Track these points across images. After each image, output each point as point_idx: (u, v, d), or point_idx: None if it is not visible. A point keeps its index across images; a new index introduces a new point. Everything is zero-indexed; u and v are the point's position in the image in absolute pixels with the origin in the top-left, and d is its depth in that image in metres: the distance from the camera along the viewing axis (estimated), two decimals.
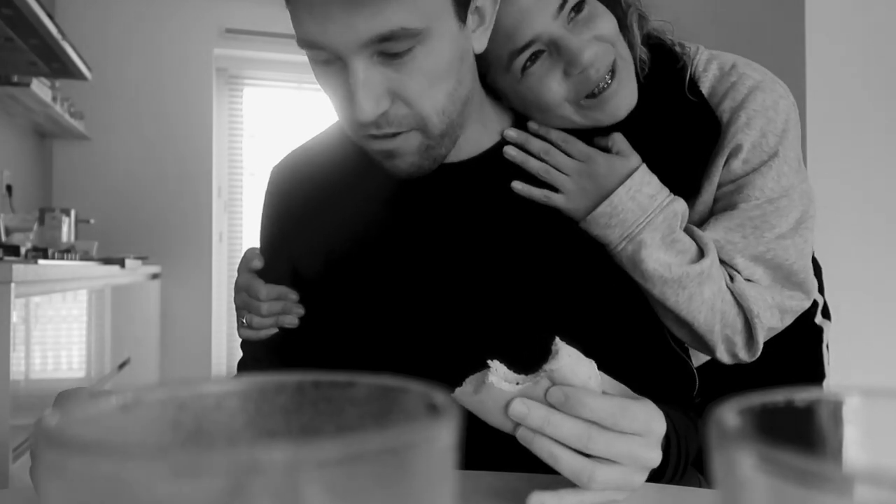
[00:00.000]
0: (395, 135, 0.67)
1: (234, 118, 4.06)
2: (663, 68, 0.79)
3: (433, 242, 0.76)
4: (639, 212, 0.72)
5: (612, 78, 0.72)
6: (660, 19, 0.81)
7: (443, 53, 0.64)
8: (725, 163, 0.77)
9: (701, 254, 0.74)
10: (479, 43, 0.70)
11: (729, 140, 0.76)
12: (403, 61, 0.63)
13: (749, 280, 0.76)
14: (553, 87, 0.72)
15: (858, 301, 1.48)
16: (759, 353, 0.77)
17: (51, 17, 2.21)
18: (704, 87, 0.79)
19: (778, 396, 0.22)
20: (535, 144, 0.76)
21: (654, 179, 0.74)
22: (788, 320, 0.78)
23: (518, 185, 0.75)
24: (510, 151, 0.76)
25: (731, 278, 0.76)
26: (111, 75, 3.56)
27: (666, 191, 0.74)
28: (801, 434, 0.22)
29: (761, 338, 0.75)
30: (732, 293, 0.75)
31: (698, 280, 0.72)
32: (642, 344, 0.75)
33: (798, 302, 0.78)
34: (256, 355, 0.84)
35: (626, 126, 0.76)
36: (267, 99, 4.11)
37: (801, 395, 0.22)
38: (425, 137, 0.68)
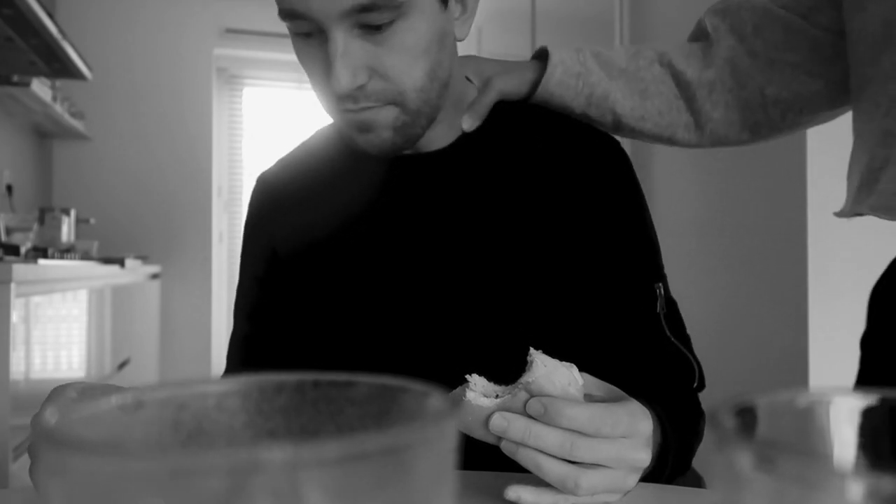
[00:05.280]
0: (370, 108, 0.67)
1: (234, 118, 4.06)
2: None
3: (415, 235, 0.76)
4: None
5: None
6: None
7: (423, 31, 0.65)
8: None
9: None
10: (462, 31, 0.71)
11: None
12: (384, 35, 0.63)
13: None
14: None
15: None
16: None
17: (51, 16, 2.21)
18: None
19: (778, 396, 0.22)
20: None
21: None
22: None
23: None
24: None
25: None
26: (111, 75, 3.56)
27: None
28: (801, 434, 0.22)
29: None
30: None
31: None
32: (639, 338, 0.75)
33: None
34: (228, 366, 0.85)
35: None
36: (267, 99, 4.11)
37: (801, 395, 0.22)
38: (401, 113, 0.68)
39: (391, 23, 0.63)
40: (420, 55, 0.66)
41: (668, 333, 0.75)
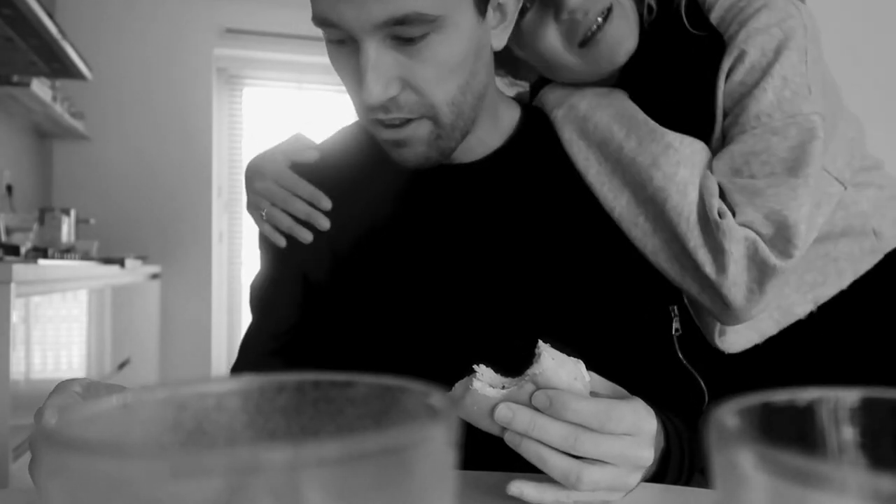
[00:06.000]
0: (405, 123, 0.67)
1: (234, 118, 4.05)
2: (668, 6, 0.76)
3: (442, 245, 0.75)
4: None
5: (604, 21, 0.71)
6: None
7: (458, 44, 0.64)
8: (726, 80, 0.73)
9: None
10: (499, 40, 0.70)
11: (727, 57, 0.73)
12: (417, 47, 0.62)
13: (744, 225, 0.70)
14: (548, 37, 0.72)
15: None
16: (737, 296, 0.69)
17: (51, 17, 2.21)
18: (714, 16, 0.75)
19: (778, 396, 0.22)
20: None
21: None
22: (769, 282, 0.68)
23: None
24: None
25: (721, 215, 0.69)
26: (111, 75, 3.56)
27: None
28: (801, 434, 0.22)
29: (730, 275, 0.68)
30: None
31: None
32: (647, 357, 0.75)
33: (778, 261, 0.67)
34: (252, 359, 0.84)
35: (630, 70, 0.75)
36: (267, 99, 4.10)
37: (801, 395, 0.22)
38: (435, 127, 0.68)
39: (425, 36, 0.62)
40: (454, 69, 0.65)
41: (681, 356, 0.75)
